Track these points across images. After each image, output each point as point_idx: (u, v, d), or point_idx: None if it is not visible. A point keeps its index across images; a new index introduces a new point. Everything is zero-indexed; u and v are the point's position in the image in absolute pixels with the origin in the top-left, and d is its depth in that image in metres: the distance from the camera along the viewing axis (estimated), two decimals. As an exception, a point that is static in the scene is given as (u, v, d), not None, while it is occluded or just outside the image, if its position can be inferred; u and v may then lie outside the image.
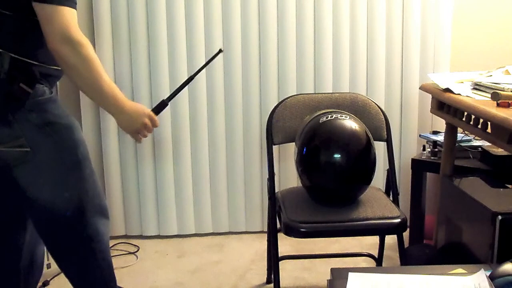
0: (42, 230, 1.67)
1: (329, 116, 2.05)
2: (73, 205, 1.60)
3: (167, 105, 1.87)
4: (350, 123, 2.03)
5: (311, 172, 2.04)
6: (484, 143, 2.53)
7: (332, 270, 1.46)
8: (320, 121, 2.04)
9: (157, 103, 1.88)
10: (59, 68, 1.59)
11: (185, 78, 2.82)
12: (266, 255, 2.47)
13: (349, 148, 1.99)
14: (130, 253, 2.79)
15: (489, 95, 1.95)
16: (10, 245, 1.74)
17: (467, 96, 2.07)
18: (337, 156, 1.97)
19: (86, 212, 1.63)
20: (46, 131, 1.54)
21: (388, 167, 2.26)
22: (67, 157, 1.59)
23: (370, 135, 2.05)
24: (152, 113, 1.74)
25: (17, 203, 1.68)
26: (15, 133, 1.51)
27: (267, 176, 2.21)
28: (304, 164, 2.05)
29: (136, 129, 1.70)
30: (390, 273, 1.39)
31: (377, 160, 2.04)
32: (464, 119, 2.11)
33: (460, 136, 2.52)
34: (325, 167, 1.99)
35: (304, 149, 2.05)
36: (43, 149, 1.54)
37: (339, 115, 2.05)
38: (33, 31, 1.50)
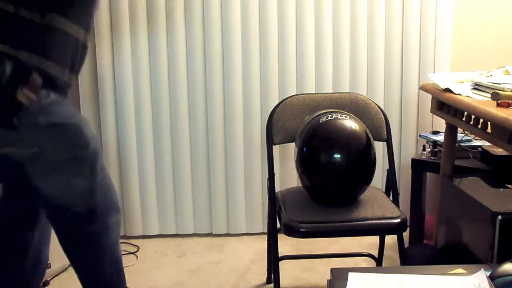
0: (54, 224, 1.69)
1: (329, 116, 2.05)
2: (84, 200, 1.62)
3: None
4: (350, 123, 2.03)
5: (311, 172, 2.04)
6: (484, 143, 2.53)
7: (332, 270, 1.46)
8: (320, 121, 2.04)
9: None
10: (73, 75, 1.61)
11: (185, 78, 2.85)
12: (266, 255, 2.47)
13: (349, 148, 1.99)
14: (130, 253, 2.79)
15: (489, 95, 1.95)
16: (19, 244, 1.77)
17: (467, 96, 2.07)
18: (337, 156, 1.97)
19: (96, 208, 1.65)
20: (53, 132, 1.55)
21: (388, 167, 2.26)
22: (77, 154, 1.60)
23: (370, 135, 2.05)
24: None
25: (29, 201, 1.70)
26: (21, 135, 1.51)
27: (267, 176, 2.22)
28: (304, 164, 2.04)
29: None
30: (390, 273, 1.39)
31: (377, 160, 2.04)
32: (464, 119, 2.11)
33: (460, 136, 2.52)
34: (325, 167, 2.00)
35: (304, 149, 2.04)
36: (51, 149, 1.55)
37: (339, 115, 2.05)
38: (43, 30, 1.50)
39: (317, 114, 2.11)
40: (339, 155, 1.97)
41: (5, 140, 1.52)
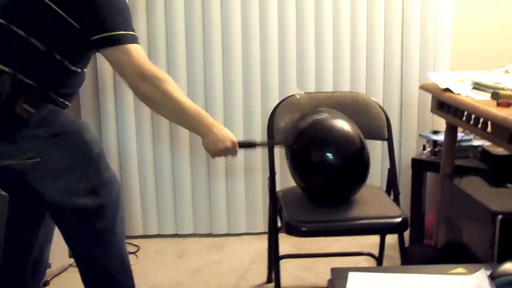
0: (60, 225, 1.70)
1: (318, 115, 2.05)
2: (90, 201, 1.63)
3: (254, 146, 1.94)
4: (339, 122, 2.02)
5: (303, 173, 2.03)
6: (484, 143, 2.53)
7: (333, 269, 1.46)
8: (309, 121, 2.04)
9: (247, 140, 2.07)
10: (67, 103, 1.62)
11: (185, 78, 2.85)
12: (266, 255, 2.47)
13: (341, 148, 1.98)
14: (130, 253, 2.79)
15: (489, 95, 1.96)
16: (24, 242, 1.78)
17: (467, 95, 2.07)
18: (328, 155, 1.96)
19: (105, 205, 1.65)
20: (55, 141, 1.56)
21: (388, 166, 2.26)
22: (81, 159, 1.61)
23: (359, 132, 2.03)
24: (236, 141, 1.78)
25: (34, 204, 1.71)
26: (22, 147, 1.52)
27: (268, 175, 2.22)
28: (295, 166, 2.04)
29: (219, 150, 1.76)
30: (390, 273, 1.39)
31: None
32: (464, 118, 2.11)
33: (460, 135, 2.51)
34: (315, 167, 1.99)
35: (294, 151, 2.04)
36: (54, 156, 1.56)
37: (322, 114, 2.05)
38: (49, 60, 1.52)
39: (305, 114, 2.10)
40: (328, 155, 1.95)
41: (5, 153, 1.53)
